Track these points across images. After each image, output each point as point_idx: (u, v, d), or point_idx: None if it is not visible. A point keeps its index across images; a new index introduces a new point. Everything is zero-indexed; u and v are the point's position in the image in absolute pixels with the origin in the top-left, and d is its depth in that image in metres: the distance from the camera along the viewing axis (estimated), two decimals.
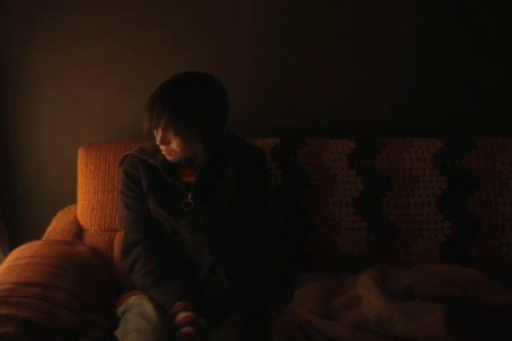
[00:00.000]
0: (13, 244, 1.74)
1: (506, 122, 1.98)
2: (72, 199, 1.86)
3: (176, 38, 1.91)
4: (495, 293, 1.46)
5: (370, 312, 1.39)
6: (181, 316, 1.35)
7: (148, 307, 1.39)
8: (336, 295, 1.50)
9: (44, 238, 1.74)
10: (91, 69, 1.92)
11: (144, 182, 1.55)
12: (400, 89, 1.98)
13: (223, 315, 1.40)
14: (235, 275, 1.48)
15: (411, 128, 1.95)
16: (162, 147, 1.50)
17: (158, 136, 1.48)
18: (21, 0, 1.85)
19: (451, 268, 1.59)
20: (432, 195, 1.79)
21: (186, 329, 1.32)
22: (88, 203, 1.79)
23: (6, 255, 1.61)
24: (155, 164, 1.54)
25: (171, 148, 1.49)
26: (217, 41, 1.92)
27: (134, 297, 1.46)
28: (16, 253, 1.56)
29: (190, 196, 1.52)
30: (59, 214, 1.88)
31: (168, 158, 1.52)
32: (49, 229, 1.79)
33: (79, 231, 1.81)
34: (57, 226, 1.80)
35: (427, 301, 1.40)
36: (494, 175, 1.79)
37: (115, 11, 1.87)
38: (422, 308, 1.37)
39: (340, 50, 1.95)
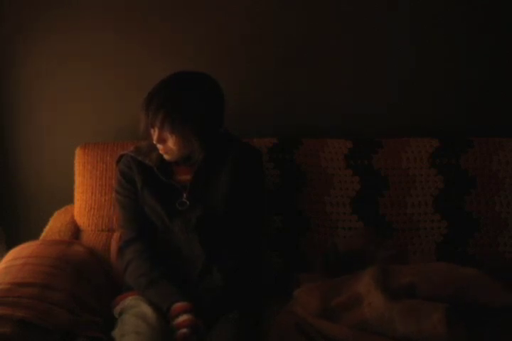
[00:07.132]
0: (10, 244, 1.73)
1: (502, 121, 1.98)
2: (70, 199, 1.86)
3: (176, 37, 1.91)
4: (495, 293, 1.45)
5: (371, 313, 1.37)
6: (181, 319, 1.34)
7: (145, 309, 1.38)
8: (336, 294, 1.48)
9: (41, 238, 1.74)
10: (88, 70, 1.92)
11: (138, 182, 1.55)
12: (398, 89, 1.98)
13: (219, 315, 1.40)
14: (231, 274, 1.47)
15: (409, 127, 1.95)
16: (159, 146, 1.50)
17: (154, 134, 1.48)
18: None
19: (450, 267, 1.59)
20: (428, 195, 1.79)
21: (183, 331, 1.31)
22: (85, 203, 1.79)
23: (2, 255, 1.60)
24: (150, 164, 1.54)
25: (167, 146, 1.49)
26: (216, 40, 1.92)
27: (130, 297, 1.46)
28: (12, 253, 1.55)
29: (185, 195, 1.52)
30: (56, 214, 1.88)
31: (165, 157, 1.52)
32: (46, 229, 1.79)
33: (76, 232, 1.81)
34: (55, 226, 1.80)
35: (428, 300, 1.38)
36: (491, 175, 1.80)
37: (115, 12, 1.88)
38: (424, 308, 1.35)
39: (338, 50, 1.95)
